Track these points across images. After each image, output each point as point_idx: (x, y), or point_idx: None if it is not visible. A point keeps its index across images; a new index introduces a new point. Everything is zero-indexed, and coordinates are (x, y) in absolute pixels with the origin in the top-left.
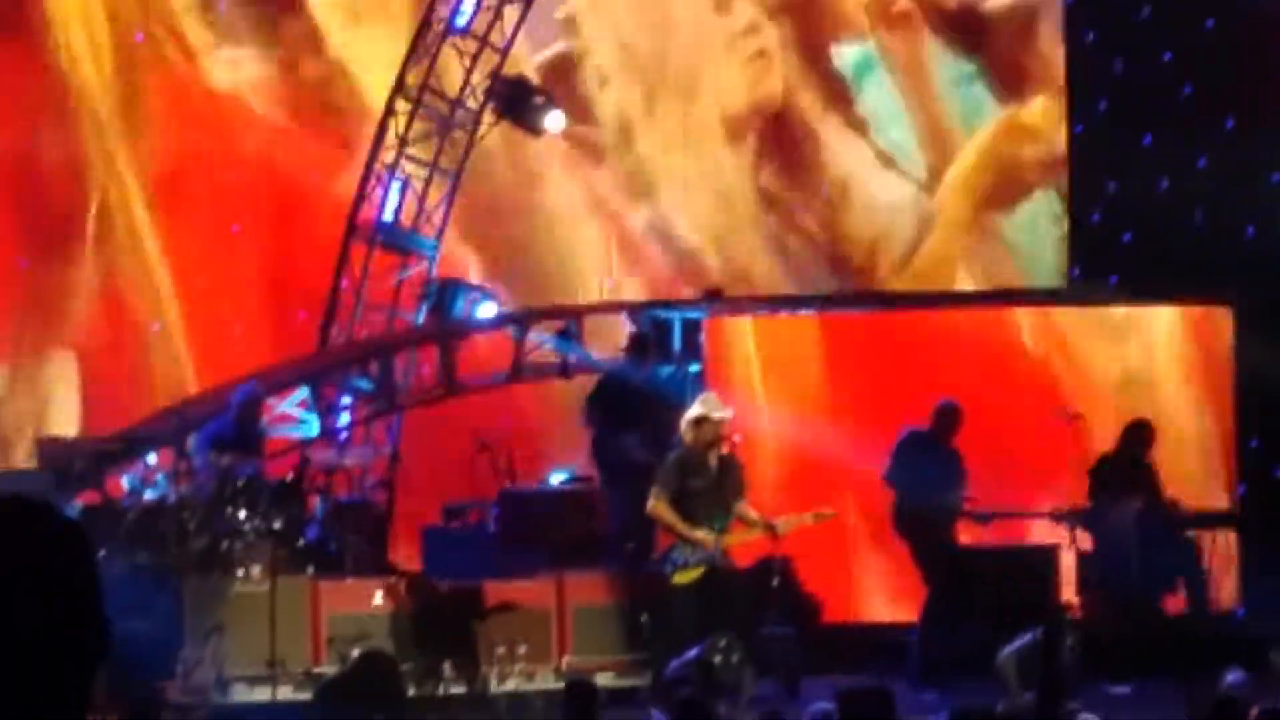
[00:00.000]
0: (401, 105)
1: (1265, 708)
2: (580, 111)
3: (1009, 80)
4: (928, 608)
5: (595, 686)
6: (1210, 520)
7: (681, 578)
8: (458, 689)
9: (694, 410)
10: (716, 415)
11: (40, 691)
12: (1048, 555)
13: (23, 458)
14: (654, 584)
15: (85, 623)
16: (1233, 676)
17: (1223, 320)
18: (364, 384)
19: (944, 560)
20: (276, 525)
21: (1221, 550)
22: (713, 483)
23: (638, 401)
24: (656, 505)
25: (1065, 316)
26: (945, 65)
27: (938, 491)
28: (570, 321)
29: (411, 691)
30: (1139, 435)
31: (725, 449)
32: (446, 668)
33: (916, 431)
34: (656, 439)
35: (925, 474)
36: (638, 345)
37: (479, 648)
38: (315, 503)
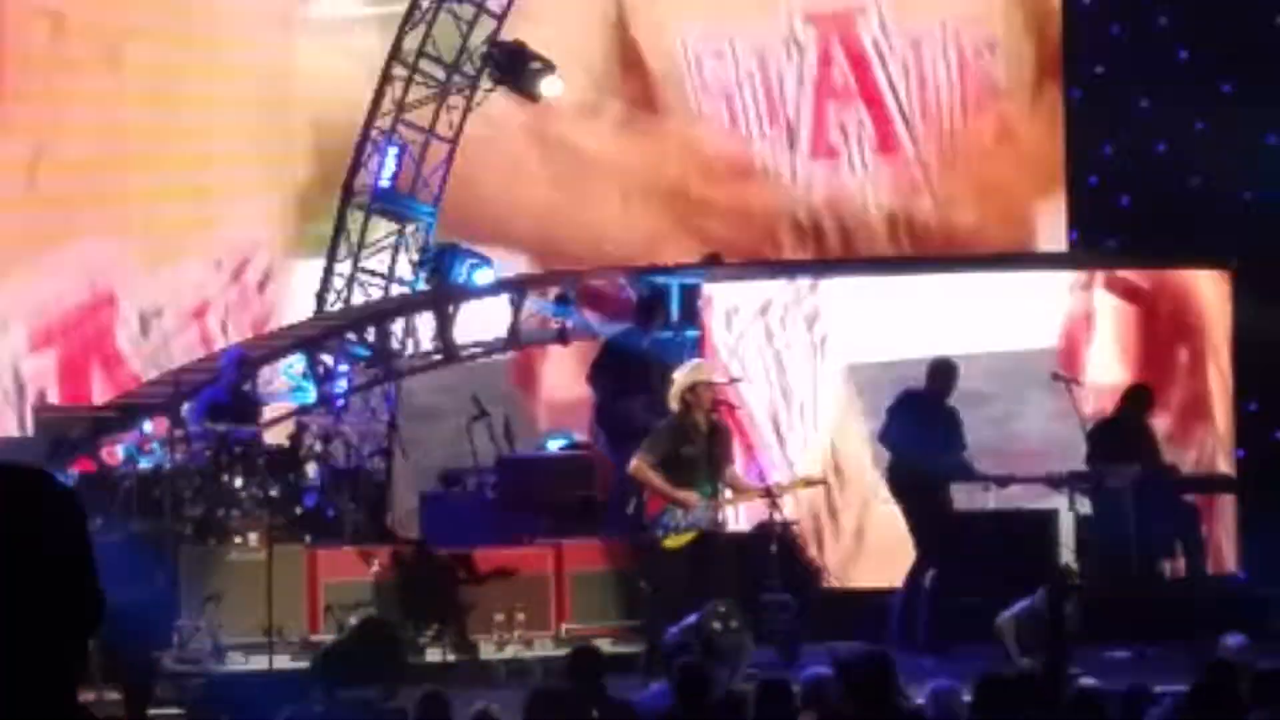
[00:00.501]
0: (399, 71)
1: (1262, 670)
2: None
3: None
4: (915, 571)
5: (599, 650)
6: (1209, 484)
7: (672, 542)
8: (456, 656)
9: (686, 375)
10: (711, 380)
11: (32, 661)
12: (1047, 519)
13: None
14: (649, 550)
15: (78, 592)
16: (1233, 640)
17: (1221, 283)
18: (361, 350)
19: (940, 522)
20: (273, 493)
21: (1220, 514)
22: (704, 449)
23: (642, 366)
24: (638, 465)
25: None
26: None
27: (936, 452)
28: (568, 287)
29: (409, 659)
30: (1138, 399)
31: (719, 414)
32: (444, 635)
33: (913, 391)
34: (663, 404)
35: (923, 434)
36: (643, 310)
37: (477, 615)
38: (312, 470)
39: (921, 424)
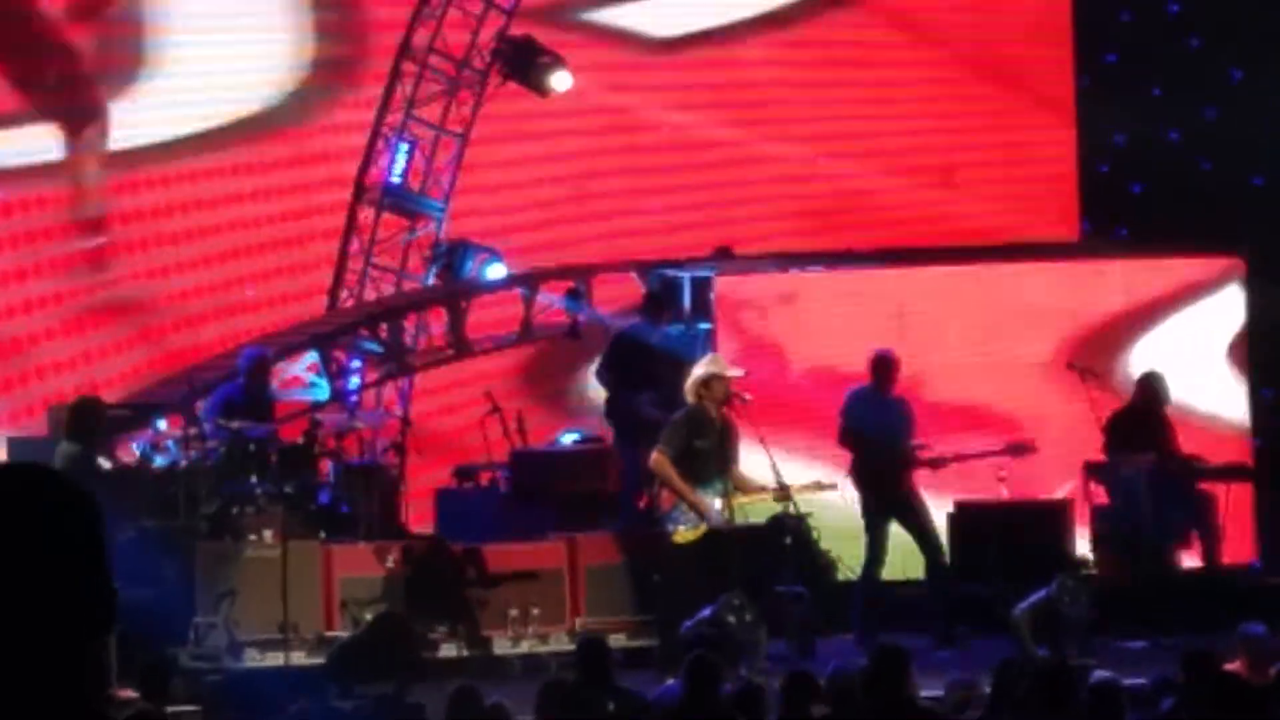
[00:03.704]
0: (408, 67)
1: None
2: None
3: None
4: (931, 564)
5: (606, 641)
6: (1225, 473)
7: (683, 537)
8: (471, 651)
9: (702, 369)
10: (726, 374)
11: (47, 660)
12: (1061, 510)
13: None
14: (662, 544)
15: (92, 590)
16: (1250, 628)
17: (1234, 270)
18: (374, 347)
19: (917, 510)
20: (288, 489)
21: (1236, 503)
22: (717, 444)
23: (652, 361)
24: (659, 459)
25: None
26: None
27: (889, 441)
28: (579, 281)
29: (424, 654)
30: (1152, 389)
31: (734, 408)
32: (459, 630)
33: (857, 388)
34: (672, 398)
35: (873, 426)
36: (652, 304)
37: (492, 610)
38: (326, 466)
39: (871, 418)
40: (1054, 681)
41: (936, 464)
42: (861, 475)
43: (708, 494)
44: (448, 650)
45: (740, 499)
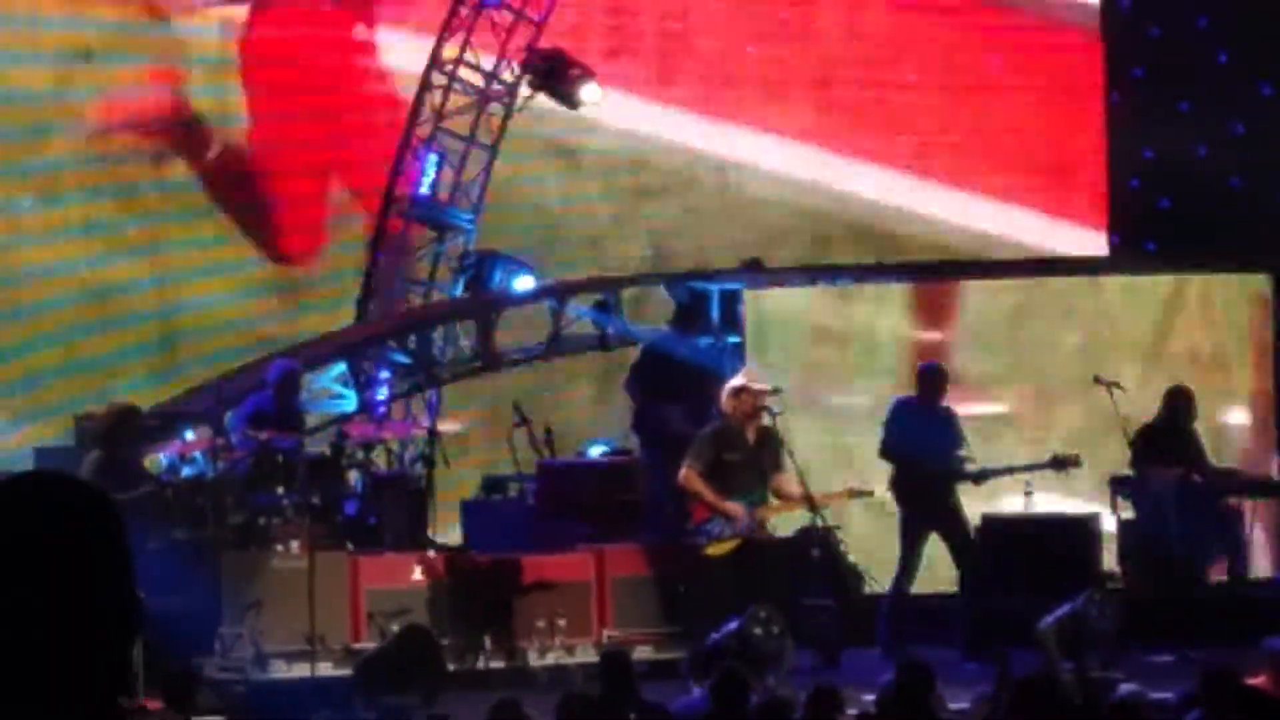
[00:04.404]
0: (437, 79)
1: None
2: None
3: None
4: (963, 577)
5: (629, 654)
6: (1252, 487)
7: (715, 549)
8: (497, 663)
9: (733, 381)
10: (755, 387)
11: (73, 670)
12: (1089, 523)
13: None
14: (691, 556)
15: (117, 600)
16: (1275, 643)
17: (1263, 287)
18: (402, 358)
19: (957, 523)
20: (315, 500)
21: (1264, 518)
22: (749, 456)
23: (680, 373)
24: (688, 475)
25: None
26: None
27: (935, 455)
28: (608, 293)
29: (451, 666)
30: (1180, 402)
31: (765, 421)
32: (486, 642)
33: (904, 399)
34: (700, 411)
35: (920, 439)
36: (682, 316)
37: (519, 621)
38: (354, 477)
39: (917, 431)
40: (1079, 695)
41: (981, 478)
42: (903, 489)
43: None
44: (474, 662)
45: (772, 512)
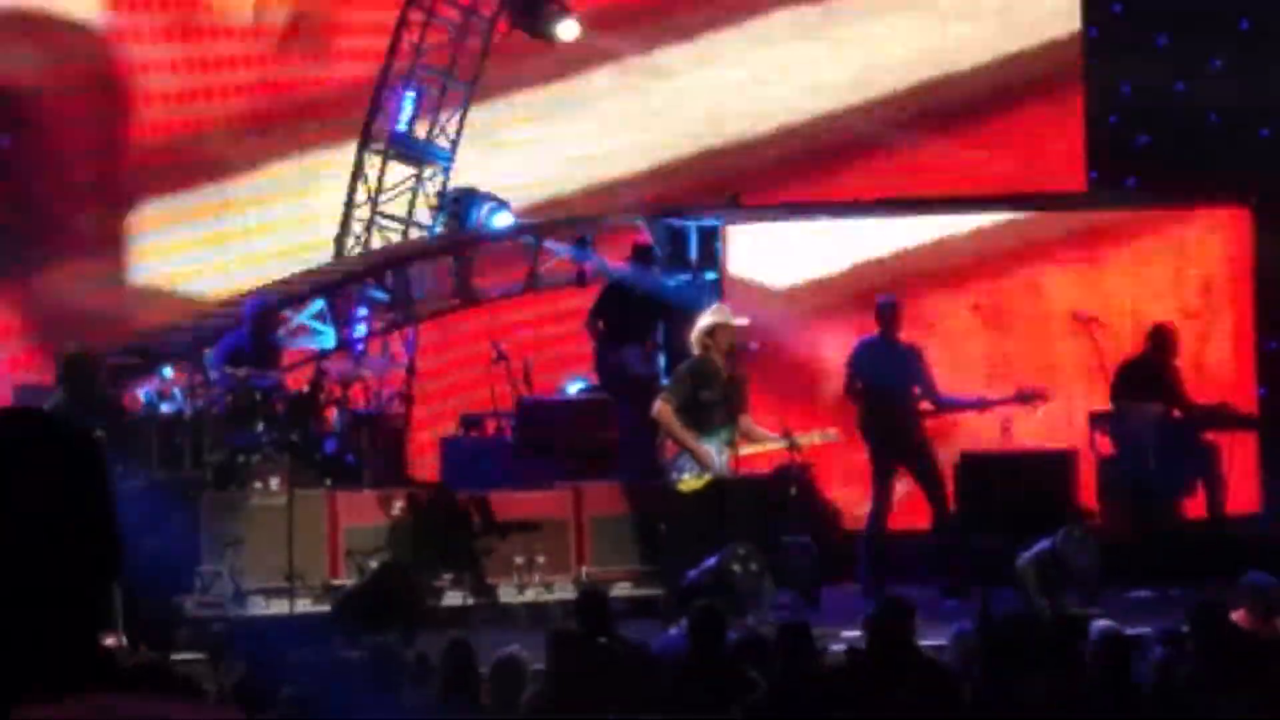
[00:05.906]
0: (415, 15)
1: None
2: None
3: None
4: (938, 516)
5: (605, 592)
6: (1230, 423)
7: (687, 486)
8: (476, 600)
9: (707, 319)
10: (731, 323)
11: (54, 607)
12: (1067, 460)
13: None
14: (668, 494)
15: (97, 537)
16: (1254, 578)
17: (1242, 221)
18: (380, 295)
19: (927, 458)
20: (293, 438)
21: (1241, 452)
22: (722, 394)
23: (640, 313)
24: (662, 410)
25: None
26: None
27: (897, 391)
28: (586, 230)
29: (429, 603)
30: (1161, 339)
31: (739, 357)
32: (465, 579)
33: (865, 338)
34: (668, 349)
35: (881, 376)
36: (641, 254)
37: (497, 558)
38: (332, 415)
39: (879, 367)
40: (1057, 631)
41: (943, 410)
42: (870, 426)
43: (711, 444)
44: (453, 599)
45: (746, 449)
